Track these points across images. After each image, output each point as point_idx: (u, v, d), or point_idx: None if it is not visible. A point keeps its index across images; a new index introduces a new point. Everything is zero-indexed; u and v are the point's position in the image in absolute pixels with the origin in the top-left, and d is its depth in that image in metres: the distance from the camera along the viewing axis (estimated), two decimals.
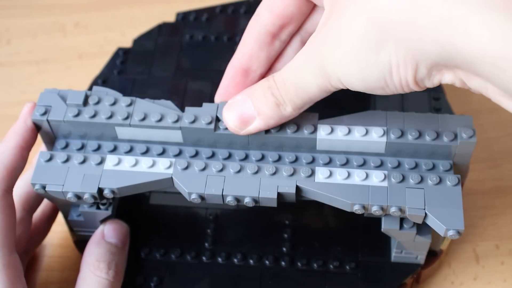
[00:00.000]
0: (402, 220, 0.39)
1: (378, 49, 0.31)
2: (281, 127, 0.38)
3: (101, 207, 0.41)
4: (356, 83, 0.33)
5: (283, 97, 0.36)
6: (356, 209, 0.37)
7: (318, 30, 0.34)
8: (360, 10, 0.31)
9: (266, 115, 0.37)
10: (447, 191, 0.37)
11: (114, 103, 0.40)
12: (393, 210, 0.37)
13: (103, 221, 0.42)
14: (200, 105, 0.40)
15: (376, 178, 0.38)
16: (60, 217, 0.45)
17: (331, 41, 0.33)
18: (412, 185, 0.37)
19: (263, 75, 0.40)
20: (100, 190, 0.38)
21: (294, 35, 0.41)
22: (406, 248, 0.41)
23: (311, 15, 0.40)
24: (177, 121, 0.39)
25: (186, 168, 0.38)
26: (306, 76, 0.34)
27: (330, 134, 0.38)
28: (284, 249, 0.43)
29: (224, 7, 0.56)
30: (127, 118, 0.39)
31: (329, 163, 0.39)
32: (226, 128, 0.39)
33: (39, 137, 0.41)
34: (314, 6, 0.40)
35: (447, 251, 0.45)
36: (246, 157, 0.39)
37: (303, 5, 0.39)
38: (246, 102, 0.37)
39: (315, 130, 0.39)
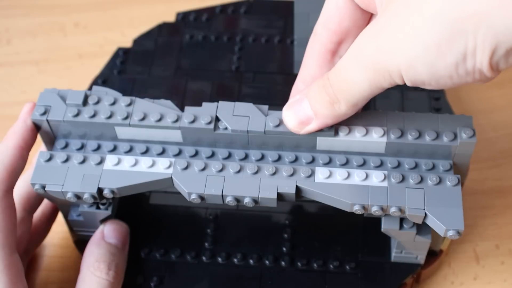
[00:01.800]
0: (402, 220, 0.39)
1: (453, 32, 0.28)
2: (281, 125, 0.38)
3: (101, 207, 0.41)
4: (422, 71, 0.30)
5: (336, 95, 0.35)
6: (356, 209, 0.37)
7: (372, 23, 0.32)
8: None
9: (322, 114, 0.36)
10: (447, 191, 0.37)
11: (113, 103, 0.40)
12: (393, 210, 0.37)
13: (103, 221, 0.42)
14: (200, 105, 0.40)
15: (376, 178, 0.38)
16: (60, 217, 0.45)
17: (391, 29, 0.31)
18: (412, 185, 0.37)
19: None
20: (100, 190, 0.38)
21: None
22: (406, 248, 0.41)
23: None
24: (176, 121, 0.39)
25: (186, 168, 0.38)
26: (356, 71, 0.33)
27: None
28: (284, 249, 0.43)
29: (224, 7, 0.56)
30: (126, 118, 0.39)
31: (329, 163, 0.39)
32: (226, 128, 0.39)
33: (39, 137, 0.41)
34: (370, 17, 0.38)
35: (447, 251, 0.45)
36: (246, 157, 0.39)
37: (358, 18, 0.37)
38: (303, 102, 0.36)
39: None
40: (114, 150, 0.40)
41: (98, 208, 0.41)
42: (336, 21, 0.37)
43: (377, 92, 0.34)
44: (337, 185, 0.38)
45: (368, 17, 0.38)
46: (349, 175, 0.38)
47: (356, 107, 0.35)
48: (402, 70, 0.31)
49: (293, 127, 0.37)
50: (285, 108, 0.37)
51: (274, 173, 0.38)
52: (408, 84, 0.32)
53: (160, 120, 0.39)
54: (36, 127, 0.40)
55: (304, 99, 0.36)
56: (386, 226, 0.39)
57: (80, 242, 0.44)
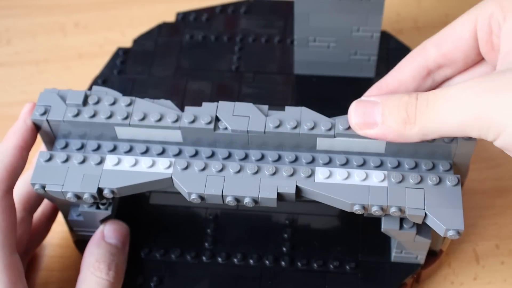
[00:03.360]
0: (402, 220, 0.39)
1: None
2: (281, 126, 0.38)
3: (101, 207, 0.41)
4: None
5: (416, 117, 0.34)
6: (356, 209, 0.37)
7: (493, 77, 0.32)
8: None
9: (389, 127, 0.35)
10: (447, 191, 0.37)
11: (113, 103, 0.40)
12: (393, 210, 0.37)
13: (103, 221, 0.42)
14: (200, 105, 0.40)
15: (376, 178, 0.38)
16: (60, 217, 0.45)
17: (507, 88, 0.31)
18: (412, 185, 0.37)
19: None
20: (100, 190, 0.38)
21: (447, 80, 0.39)
22: (406, 248, 0.41)
23: (473, 68, 0.38)
24: (176, 120, 0.39)
25: (186, 168, 0.38)
26: (456, 109, 0.32)
27: None
28: (284, 249, 0.43)
29: (224, 7, 0.56)
30: (126, 118, 0.39)
31: (329, 163, 0.39)
32: (226, 128, 0.38)
33: (39, 137, 0.41)
34: (480, 61, 0.38)
35: (447, 251, 0.45)
36: (246, 157, 0.39)
37: (471, 57, 0.37)
38: (376, 106, 0.36)
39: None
40: (114, 150, 0.40)
41: (98, 208, 0.41)
42: (451, 47, 0.37)
43: (454, 135, 0.33)
44: (337, 185, 0.38)
45: (479, 60, 0.38)
46: (349, 175, 0.38)
47: (424, 138, 0.35)
48: (507, 131, 0.31)
49: (355, 124, 0.37)
50: (356, 103, 0.37)
51: (274, 173, 0.38)
52: (496, 143, 0.32)
53: (160, 120, 0.39)
54: (36, 127, 0.40)
55: (378, 104, 0.36)
56: (386, 226, 0.39)
57: (80, 242, 0.44)
